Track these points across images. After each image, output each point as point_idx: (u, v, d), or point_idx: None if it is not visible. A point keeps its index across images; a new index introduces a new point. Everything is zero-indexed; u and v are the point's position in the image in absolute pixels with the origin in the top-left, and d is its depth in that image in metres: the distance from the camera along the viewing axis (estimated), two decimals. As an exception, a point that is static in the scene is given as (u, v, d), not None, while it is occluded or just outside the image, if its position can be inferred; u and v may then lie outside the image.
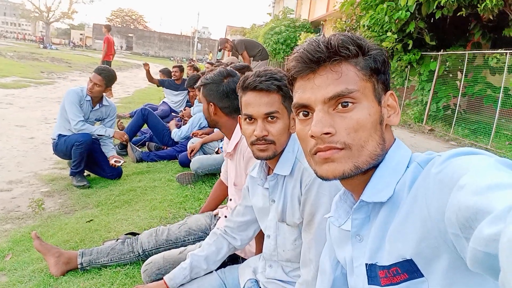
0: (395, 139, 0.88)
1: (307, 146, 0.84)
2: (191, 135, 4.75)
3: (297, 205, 1.42)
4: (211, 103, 2.10)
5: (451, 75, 8.70)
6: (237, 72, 2.21)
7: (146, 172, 4.42)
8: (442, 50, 8.37)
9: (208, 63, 8.80)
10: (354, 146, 0.79)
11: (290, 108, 1.40)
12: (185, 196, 3.58)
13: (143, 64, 7.48)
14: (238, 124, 2.11)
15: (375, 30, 9.19)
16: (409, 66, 9.42)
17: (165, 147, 5.14)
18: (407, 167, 0.82)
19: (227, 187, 2.38)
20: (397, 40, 8.75)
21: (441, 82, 8.63)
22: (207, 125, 4.96)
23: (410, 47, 8.75)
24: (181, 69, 7.67)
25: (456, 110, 7.96)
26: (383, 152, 0.82)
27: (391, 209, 0.80)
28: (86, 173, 4.18)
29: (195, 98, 5.23)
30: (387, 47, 8.99)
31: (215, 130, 4.66)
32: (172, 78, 7.60)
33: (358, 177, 0.83)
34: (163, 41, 66.64)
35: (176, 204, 3.37)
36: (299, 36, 17.88)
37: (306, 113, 0.85)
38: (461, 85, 7.94)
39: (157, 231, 2.37)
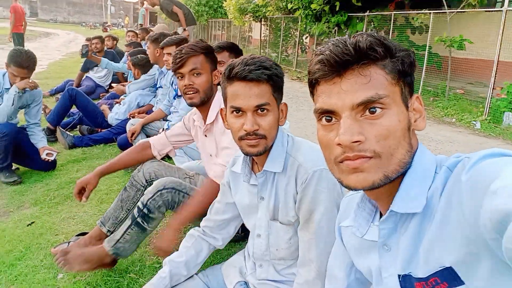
0: (418, 144, 0.84)
1: (332, 153, 0.80)
2: (128, 116, 4.43)
3: (291, 203, 1.36)
4: (217, 70, 2.05)
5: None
6: None
7: (82, 160, 4.06)
8: (368, 11, 8.56)
9: (130, 30, 8.22)
10: (384, 155, 0.75)
11: (280, 99, 1.32)
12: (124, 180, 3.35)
13: (85, 45, 5.80)
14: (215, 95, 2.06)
15: (302, -9, 9.15)
16: (336, 28, 9.55)
17: (100, 130, 4.75)
18: (435, 172, 0.80)
19: (149, 156, 2.31)
20: (325, 2, 8.78)
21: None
22: (144, 104, 4.66)
23: (337, 9, 8.84)
24: (102, 40, 7.09)
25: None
26: (410, 160, 0.79)
27: (424, 217, 0.78)
28: (14, 166, 3.74)
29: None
30: (315, 9, 9.03)
31: (154, 109, 4.41)
32: (94, 50, 6.98)
33: (385, 186, 0.79)
34: (72, 5, 61.42)
35: (115, 192, 3.14)
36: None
37: (330, 118, 0.80)
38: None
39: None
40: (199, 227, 1.74)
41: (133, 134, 3.90)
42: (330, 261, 1.15)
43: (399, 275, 0.83)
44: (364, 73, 0.76)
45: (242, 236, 2.28)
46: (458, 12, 6.68)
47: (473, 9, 6.53)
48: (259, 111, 1.27)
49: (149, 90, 4.69)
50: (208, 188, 1.88)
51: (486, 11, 7.04)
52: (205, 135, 2.12)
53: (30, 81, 3.48)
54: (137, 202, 2.27)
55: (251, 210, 1.50)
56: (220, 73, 2.00)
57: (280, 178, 1.37)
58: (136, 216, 1.92)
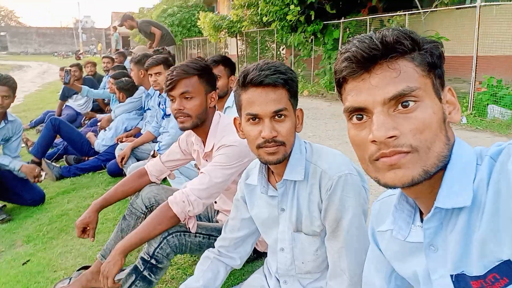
0: (455, 137, 0.81)
1: (365, 152, 0.78)
2: (115, 141, 4.32)
3: (316, 212, 1.30)
4: (213, 92, 1.92)
5: (352, 41, 9.08)
6: None
7: (72, 190, 3.92)
8: (343, 18, 8.68)
9: (106, 57, 8.10)
10: (421, 149, 0.73)
11: (295, 104, 1.27)
12: (118, 208, 3.23)
13: (67, 71, 5.29)
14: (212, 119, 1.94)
15: (276, 3, 9.22)
16: (313, 37, 9.65)
17: (86, 158, 4.61)
18: (477, 164, 0.77)
19: (147, 182, 2.18)
20: (300, 12, 8.87)
21: (346, 49, 8.98)
22: (131, 127, 4.56)
23: (312, 18, 8.94)
24: (80, 67, 6.97)
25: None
26: (449, 153, 0.77)
27: (472, 211, 0.75)
28: (1, 204, 3.57)
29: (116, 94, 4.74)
30: (290, 20, 9.11)
31: (142, 131, 4.31)
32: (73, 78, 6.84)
33: (424, 183, 0.76)
34: (43, 36, 60.93)
35: (112, 220, 3.03)
36: (197, 16, 17.42)
37: (360, 116, 0.79)
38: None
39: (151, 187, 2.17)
40: (213, 247, 1.66)
41: (123, 158, 3.79)
42: (366, 270, 1.10)
43: (451, 275, 0.79)
44: (393, 67, 0.74)
45: (254, 257, 2.19)
46: (432, 11, 6.81)
47: (446, 7, 6.67)
48: (276, 117, 1.22)
49: (135, 113, 4.59)
50: (166, 216, 1.73)
51: (457, 8, 7.21)
52: (206, 160, 2.04)
53: None
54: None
55: (271, 224, 1.43)
56: (217, 92, 1.94)
57: (301, 186, 1.32)
58: (141, 269, 1.72)
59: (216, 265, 1.58)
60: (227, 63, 2.74)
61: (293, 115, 1.27)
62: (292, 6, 8.81)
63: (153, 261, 1.72)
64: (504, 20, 5.78)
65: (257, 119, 1.22)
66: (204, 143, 2.00)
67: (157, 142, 3.82)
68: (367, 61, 0.75)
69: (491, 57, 6.37)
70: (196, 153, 2.12)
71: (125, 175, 3.85)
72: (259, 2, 10.33)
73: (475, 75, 6.05)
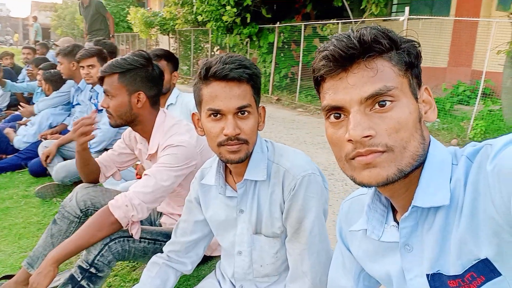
0: (430, 136, 0.82)
1: (342, 151, 0.78)
2: (39, 138, 3.97)
3: (277, 213, 1.26)
4: (139, 92, 1.76)
5: (286, 46, 9.30)
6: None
7: (-13, 191, 3.52)
8: (278, 22, 8.82)
9: (26, 47, 7.48)
10: (397, 148, 0.73)
11: (258, 101, 1.24)
12: (54, 213, 2.96)
13: None
14: (156, 119, 1.81)
15: (212, 4, 9.13)
16: (248, 40, 9.69)
17: (4, 156, 4.18)
18: (452, 163, 0.79)
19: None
20: (236, 14, 8.86)
21: (281, 53, 9.16)
22: (57, 123, 4.21)
23: (248, 21, 8.98)
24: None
25: (299, 78, 8.56)
26: (424, 152, 0.77)
27: (449, 210, 0.76)
28: None
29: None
30: (226, 21, 9.07)
31: (70, 128, 4.00)
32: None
33: (400, 182, 0.77)
34: None
35: (47, 226, 2.75)
36: (127, 11, 16.71)
37: (338, 115, 0.78)
38: (301, 55, 8.56)
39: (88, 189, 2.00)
40: (161, 252, 1.54)
41: (47, 157, 3.49)
42: (332, 271, 1.09)
43: (427, 275, 0.80)
44: (370, 66, 0.74)
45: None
46: (362, 21, 7.14)
47: (375, 18, 7.03)
48: (240, 114, 1.16)
49: (62, 108, 4.24)
50: (107, 222, 1.58)
51: (384, 20, 7.64)
52: (149, 160, 1.91)
53: None
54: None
55: (228, 226, 1.37)
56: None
57: (262, 187, 1.27)
58: (78, 278, 1.55)
59: (165, 271, 1.48)
60: (170, 58, 2.61)
61: (256, 112, 1.22)
62: (228, 7, 8.76)
63: (92, 270, 1.57)
64: (428, 33, 6.21)
65: (219, 115, 1.16)
66: (148, 142, 1.88)
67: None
68: (344, 60, 0.75)
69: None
70: (138, 151, 1.99)
71: (50, 175, 3.57)
72: (194, 1, 10.18)
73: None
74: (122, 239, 1.63)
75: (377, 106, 0.74)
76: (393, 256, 0.88)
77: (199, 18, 10.11)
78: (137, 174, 3.01)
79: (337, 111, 0.78)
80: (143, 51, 1.88)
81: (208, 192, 1.40)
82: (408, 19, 5.86)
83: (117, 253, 1.61)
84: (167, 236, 1.80)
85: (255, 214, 1.29)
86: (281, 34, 9.06)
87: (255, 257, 1.34)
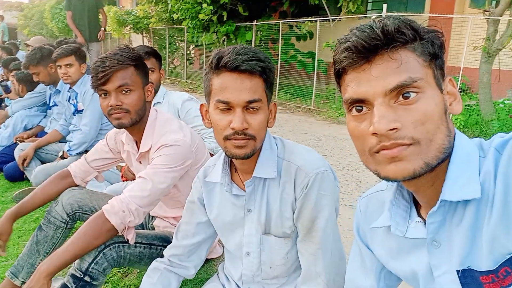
0: (454, 128, 0.81)
1: (365, 144, 0.77)
2: (14, 141, 3.80)
3: (288, 212, 1.21)
4: (150, 84, 1.72)
5: (263, 44, 9.26)
6: None
7: (-41, 198, 3.34)
8: (255, 20, 8.78)
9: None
10: (423, 141, 0.72)
11: (269, 96, 1.19)
12: (35, 219, 2.84)
13: None
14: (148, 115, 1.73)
15: (188, 1, 9.01)
16: (225, 37, 9.62)
17: (-24, 160, 3.98)
18: (480, 156, 0.78)
19: (71, 185, 1.93)
20: (213, 12, 8.77)
21: (259, 51, 9.11)
22: (32, 126, 4.04)
23: (225, 19, 8.90)
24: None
25: (278, 77, 8.54)
26: (450, 145, 0.76)
27: (480, 204, 0.74)
28: None
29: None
30: (203, 19, 8.97)
31: (47, 130, 3.84)
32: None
33: (426, 175, 0.75)
34: None
35: (30, 232, 2.63)
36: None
37: (360, 108, 0.77)
38: (279, 53, 8.55)
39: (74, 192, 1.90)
40: (158, 256, 1.47)
41: (24, 160, 3.35)
42: (350, 272, 1.06)
43: (457, 271, 0.79)
44: (394, 57, 0.73)
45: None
46: (340, 19, 7.19)
47: (353, 15, 7.09)
48: (249, 108, 1.11)
49: (37, 109, 4.07)
50: (103, 229, 1.49)
51: (360, 17, 7.73)
52: (140, 161, 1.83)
53: None
54: (58, 244, 1.88)
55: (235, 226, 1.31)
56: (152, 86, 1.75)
57: (272, 185, 1.22)
58: None
59: (167, 277, 1.41)
60: (158, 56, 2.53)
61: (266, 108, 1.16)
62: (204, 5, 8.65)
63: (87, 278, 1.48)
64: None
65: (227, 108, 1.11)
66: (137, 143, 1.79)
67: (65, 142, 3.44)
68: (367, 51, 0.73)
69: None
70: (126, 153, 1.90)
71: (27, 179, 3.42)
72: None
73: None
74: (117, 245, 1.55)
75: (401, 98, 0.73)
76: (419, 253, 0.86)
77: (175, 16, 9.95)
78: (122, 177, 2.91)
79: (359, 104, 0.77)
80: (126, 46, 1.80)
81: (212, 191, 1.35)
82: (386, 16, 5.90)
83: (113, 260, 1.53)
84: (163, 239, 1.73)
85: (264, 214, 1.24)
86: (259, 32, 9.01)
87: (264, 258, 1.29)
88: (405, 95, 0.72)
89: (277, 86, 8.51)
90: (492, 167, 0.73)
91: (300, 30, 8.24)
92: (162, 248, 1.70)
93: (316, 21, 7.34)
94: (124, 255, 1.57)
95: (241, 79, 1.09)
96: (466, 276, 0.77)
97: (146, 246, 1.66)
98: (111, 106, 1.59)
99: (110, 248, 1.52)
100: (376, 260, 1.00)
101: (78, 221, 1.91)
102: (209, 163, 1.38)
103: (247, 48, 1.12)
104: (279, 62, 8.56)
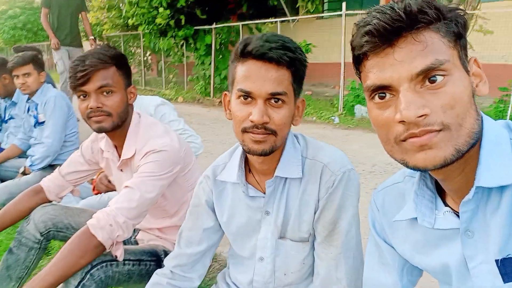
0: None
1: (390, 132, 0.73)
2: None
3: (308, 214, 1.14)
4: (132, 86, 1.63)
5: (224, 48, 9.19)
6: None
7: None
8: (214, 23, 8.69)
9: None
10: (453, 126, 0.68)
11: (297, 91, 1.09)
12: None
13: None
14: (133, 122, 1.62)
15: (143, 6, 8.79)
16: (184, 42, 9.46)
17: None
18: (510, 138, 0.76)
19: (44, 201, 1.78)
20: (170, 16, 8.60)
21: (219, 55, 9.04)
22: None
23: (183, 23, 8.75)
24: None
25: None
26: (479, 128, 0.73)
27: None
28: None
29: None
30: (160, 24, 8.77)
31: (4, 145, 3.58)
32: None
33: (456, 163, 0.72)
34: None
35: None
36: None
37: (383, 94, 0.73)
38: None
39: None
40: (162, 267, 1.37)
41: (-18, 179, 3.09)
42: (368, 271, 1.01)
43: (496, 260, 0.75)
44: (418, 39, 0.69)
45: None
46: (300, 19, 7.24)
47: (312, 15, 7.15)
48: (272, 100, 1.02)
49: (-9, 124, 3.79)
50: (89, 246, 1.36)
51: (317, 18, 7.83)
52: (121, 170, 1.69)
53: None
54: (32, 267, 1.72)
55: (250, 230, 1.22)
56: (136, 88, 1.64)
57: (293, 185, 1.15)
58: None
59: None
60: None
61: (292, 103, 1.07)
62: (161, 9, 8.46)
63: None
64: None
65: (249, 98, 1.02)
66: (117, 149, 1.66)
67: (26, 157, 3.20)
68: (390, 34, 0.69)
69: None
70: (105, 161, 1.76)
71: (-16, 200, 3.16)
72: (121, 4, 9.74)
73: (344, 80, 6.59)
74: (104, 264, 1.42)
75: (427, 82, 0.69)
76: (449, 245, 0.82)
77: (130, 22, 9.69)
78: (94, 189, 2.73)
79: (382, 90, 0.73)
80: (107, 44, 1.70)
81: (223, 192, 1.25)
82: (346, 15, 6.00)
83: (100, 281, 1.39)
84: (152, 254, 1.61)
85: (282, 216, 1.16)
86: (219, 36, 8.92)
87: (278, 264, 1.20)
88: (431, 79, 0.69)
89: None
90: None
91: (260, 32, 8.21)
92: (152, 263, 1.58)
93: (276, 22, 7.33)
94: (113, 274, 1.44)
95: (266, 69, 1.00)
96: (507, 265, 0.74)
97: (135, 263, 1.53)
98: (91, 108, 1.47)
99: (98, 268, 1.39)
100: (397, 255, 0.96)
101: (53, 240, 1.76)
102: (218, 162, 1.28)
103: (278, 36, 1.03)
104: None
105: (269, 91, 1.00)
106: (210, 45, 8.84)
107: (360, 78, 0.79)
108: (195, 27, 9.06)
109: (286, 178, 1.14)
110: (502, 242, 0.74)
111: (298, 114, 1.12)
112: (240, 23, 8.34)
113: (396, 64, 0.70)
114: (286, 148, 1.13)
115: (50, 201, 1.79)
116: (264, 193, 1.17)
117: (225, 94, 1.14)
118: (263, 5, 8.71)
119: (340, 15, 6.36)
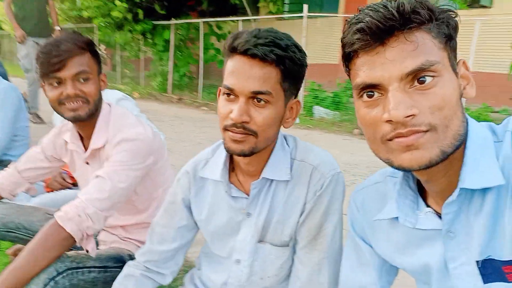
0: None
1: (377, 132, 0.73)
2: None
3: (293, 218, 1.10)
4: (103, 74, 1.55)
5: (183, 44, 9.06)
6: None
7: None
8: (173, 19, 8.54)
9: None
10: (440, 127, 0.69)
11: (290, 92, 1.02)
12: None
13: None
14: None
15: (99, -2, 8.49)
16: (142, 36, 9.23)
17: None
18: (494, 141, 0.76)
19: None
20: (127, 9, 8.36)
21: (178, 51, 8.88)
22: None
23: (141, 17, 8.54)
24: None
25: (201, 77, 8.38)
26: (465, 131, 0.74)
27: (500, 191, 0.71)
28: None
29: None
30: (117, 17, 8.51)
31: None
32: None
33: (440, 164, 0.72)
34: None
35: None
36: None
37: (372, 93, 0.73)
38: (201, 53, 8.40)
39: None
40: (133, 259, 1.30)
41: None
42: (346, 271, 1.00)
43: (477, 261, 0.76)
44: (410, 39, 0.69)
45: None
46: (261, 19, 7.25)
47: (274, 16, 7.18)
48: (255, 100, 0.97)
49: None
50: (58, 239, 1.30)
51: (277, 19, 7.88)
52: (87, 163, 1.59)
53: None
54: None
55: (228, 230, 1.17)
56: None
57: (279, 188, 1.10)
58: None
59: (143, 283, 1.25)
60: None
61: (281, 104, 1.01)
62: (117, 2, 8.19)
63: None
64: (326, 31, 6.51)
65: (232, 96, 0.97)
66: (84, 141, 1.56)
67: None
68: (382, 33, 0.69)
69: (314, 65, 7.15)
70: (70, 155, 1.65)
71: None
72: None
73: (305, 81, 6.64)
74: (70, 271, 1.33)
75: (417, 83, 0.69)
76: (430, 245, 0.82)
77: (84, 14, 9.32)
78: (47, 187, 2.58)
79: (371, 89, 0.72)
80: (75, 32, 1.61)
81: (203, 189, 1.19)
82: (308, 17, 6.06)
83: None
84: (117, 260, 1.53)
85: (263, 219, 1.11)
86: (178, 32, 8.77)
87: (256, 268, 1.16)
88: (420, 79, 0.69)
89: (201, 86, 8.36)
90: (510, 151, 0.71)
91: (220, 30, 8.17)
92: (118, 270, 1.50)
93: (238, 20, 7.30)
94: (77, 282, 1.36)
95: (250, 65, 0.95)
96: (487, 266, 0.74)
97: (100, 270, 1.45)
98: (67, 95, 1.39)
99: (63, 276, 1.30)
100: (377, 256, 0.95)
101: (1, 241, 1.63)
102: (199, 157, 1.22)
103: (270, 32, 0.97)
104: (201, 62, 8.40)
105: (251, 89, 0.95)
106: (169, 41, 8.67)
107: (349, 75, 0.78)
108: (154, 22, 8.86)
109: (273, 180, 1.10)
110: (483, 244, 0.74)
111: (290, 116, 1.07)
112: (201, 20, 8.22)
113: (387, 63, 0.69)
114: (275, 151, 1.09)
115: (1, 199, 1.67)
116: (248, 194, 1.12)
117: (220, 89, 1.08)
118: (224, 3, 8.65)
119: (301, 17, 6.42)
